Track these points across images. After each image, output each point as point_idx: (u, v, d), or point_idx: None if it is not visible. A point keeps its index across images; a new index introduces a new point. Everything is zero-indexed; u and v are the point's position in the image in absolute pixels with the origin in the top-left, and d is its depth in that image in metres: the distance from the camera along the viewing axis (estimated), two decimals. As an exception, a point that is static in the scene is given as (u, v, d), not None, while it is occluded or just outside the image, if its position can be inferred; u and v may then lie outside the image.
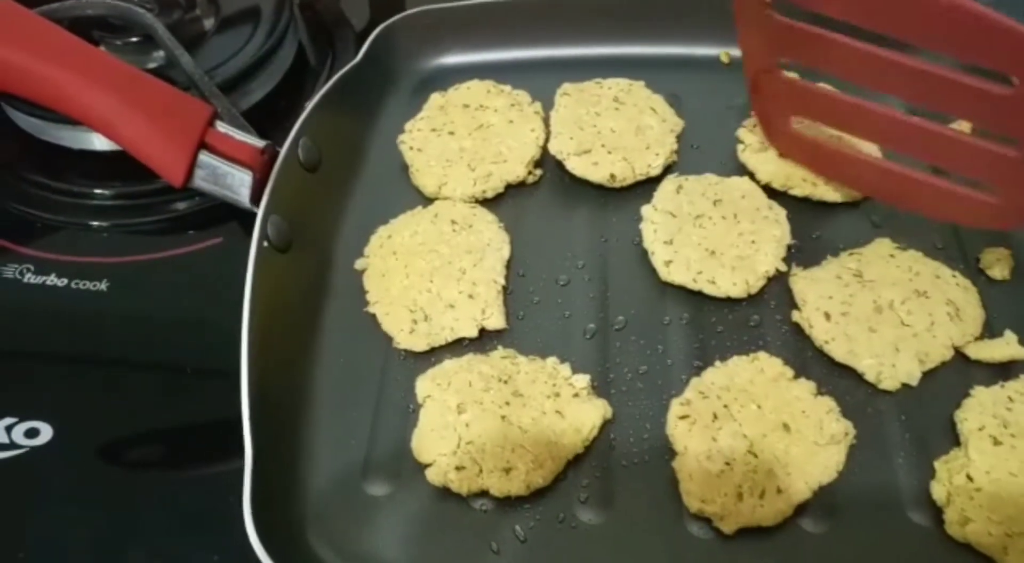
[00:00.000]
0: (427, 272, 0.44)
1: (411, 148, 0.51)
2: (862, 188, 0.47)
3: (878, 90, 0.41)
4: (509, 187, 0.49)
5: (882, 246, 0.45)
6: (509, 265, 0.46)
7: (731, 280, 0.43)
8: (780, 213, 0.46)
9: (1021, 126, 0.38)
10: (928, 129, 0.41)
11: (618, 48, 0.55)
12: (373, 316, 0.44)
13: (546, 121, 0.51)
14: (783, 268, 0.45)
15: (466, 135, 0.51)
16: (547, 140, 0.50)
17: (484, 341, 0.43)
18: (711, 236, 0.45)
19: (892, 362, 0.40)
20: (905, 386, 0.40)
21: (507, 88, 0.53)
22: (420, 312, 0.43)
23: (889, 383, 0.40)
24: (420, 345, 0.43)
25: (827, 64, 0.42)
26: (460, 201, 0.48)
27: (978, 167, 0.41)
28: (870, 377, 0.41)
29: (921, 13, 0.37)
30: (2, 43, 0.39)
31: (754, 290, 0.44)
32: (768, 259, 0.44)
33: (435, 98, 0.53)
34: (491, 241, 0.46)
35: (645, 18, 0.54)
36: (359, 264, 0.46)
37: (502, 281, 0.45)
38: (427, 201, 0.49)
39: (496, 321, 0.43)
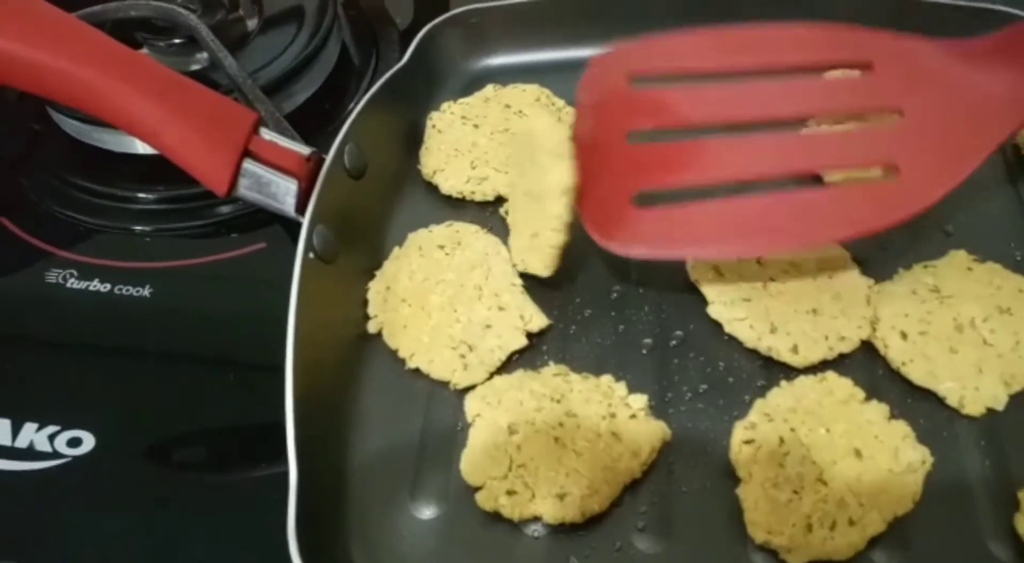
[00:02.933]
0: (447, 304, 0.42)
1: (434, 126, 0.50)
2: (747, 249, 0.41)
3: (748, 120, 0.40)
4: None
5: (958, 258, 0.43)
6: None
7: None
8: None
9: (895, 97, 0.39)
10: (815, 137, 0.40)
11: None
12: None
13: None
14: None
15: (487, 133, 0.49)
16: None
17: (534, 355, 0.42)
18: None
19: (975, 385, 0.38)
20: (988, 410, 0.38)
21: (560, 102, 0.51)
22: (463, 345, 0.41)
23: (972, 408, 0.38)
24: (479, 376, 0.41)
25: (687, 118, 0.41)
26: (433, 227, 0.46)
27: (871, 154, 0.40)
28: (952, 401, 0.38)
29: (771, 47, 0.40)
30: (45, 50, 0.38)
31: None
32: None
33: (488, 89, 0.52)
34: (486, 248, 0.44)
35: (704, 12, 0.52)
36: (372, 327, 0.43)
37: (520, 281, 0.43)
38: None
39: (538, 321, 0.42)
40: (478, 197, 0.47)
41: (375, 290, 0.44)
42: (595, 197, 0.40)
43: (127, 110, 0.39)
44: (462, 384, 0.40)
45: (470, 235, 0.45)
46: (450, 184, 0.47)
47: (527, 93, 0.51)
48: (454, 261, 0.44)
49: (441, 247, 0.44)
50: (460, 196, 0.47)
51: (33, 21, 0.39)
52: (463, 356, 0.41)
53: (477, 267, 0.43)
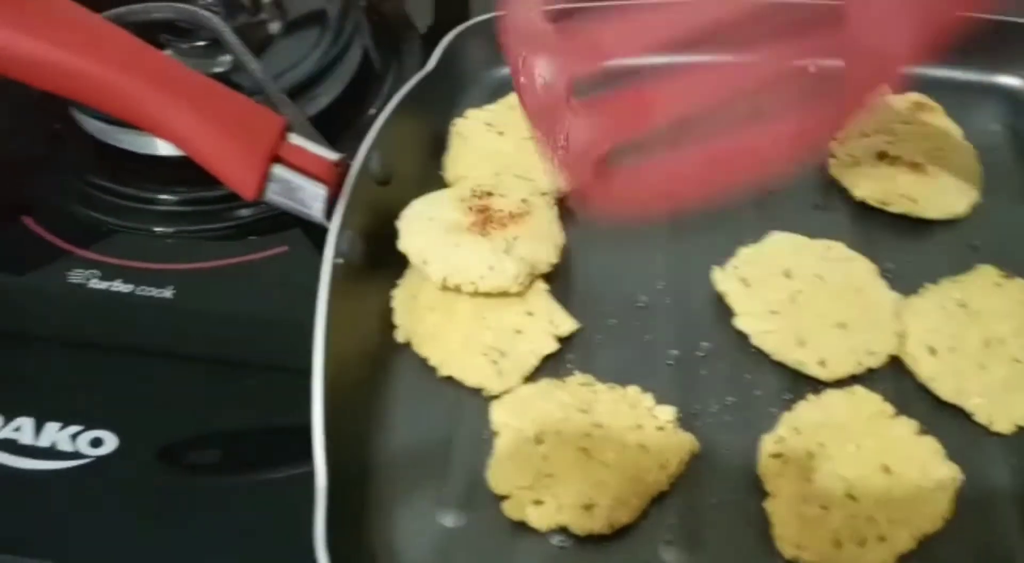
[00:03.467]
0: (476, 311, 0.42)
1: (458, 133, 0.49)
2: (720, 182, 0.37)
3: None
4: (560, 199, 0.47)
5: (986, 273, 0.43)
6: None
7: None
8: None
9: None
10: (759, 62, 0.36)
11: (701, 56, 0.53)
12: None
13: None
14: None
15: (512, 140, 0.49)
16: None
17: (559, 365, 0.41)
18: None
19: (1005, 402, 0.38)
20: (1019, 428, 0.38)
21: None
22: (494, 351, 0.41)
23: (1002, 425, 0.38)
24: (514, 381, 0.41)
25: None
26: None
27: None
28: (981, 418, 0.38)
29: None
30: (77, 53, 0.38)
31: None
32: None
33: (513, 96, 0.51)
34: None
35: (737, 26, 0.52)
36: (400, 336, 0.43)
37: (544, 285, 0.43)
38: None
39: (568, 323, 0.42)
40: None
41: (400, 299, 0.44)
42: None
43: (157, 114, 0.38)
44: (496, 390, 0.40)
45: None
46: (471, 189, 0.47)
47: None
48: None
49: None
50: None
51: (65, 24, 0.39)
52: (495, 362, 0.41)
53: None
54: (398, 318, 0.43)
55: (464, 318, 0.42)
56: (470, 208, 0.44)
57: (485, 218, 0.43)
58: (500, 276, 0.41)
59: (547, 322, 0.42)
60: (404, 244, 0.43)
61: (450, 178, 0.48)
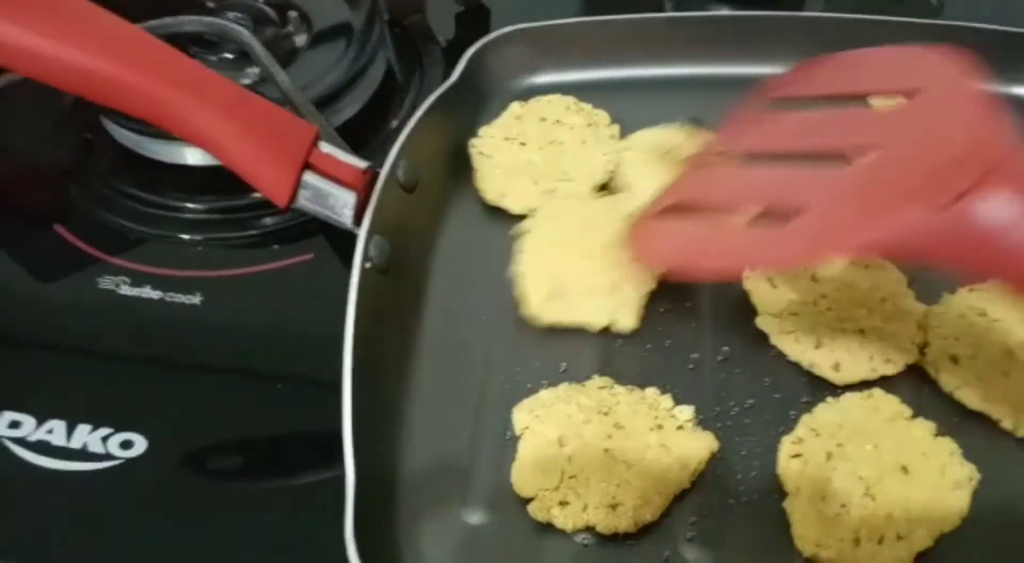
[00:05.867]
0: (581, 252, 0.44)
1: (480, 153, 0.50)
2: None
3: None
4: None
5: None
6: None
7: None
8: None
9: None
10: None
11: (718, 68, 0.54)
12: (474, 331, 0.44)
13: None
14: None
15: (536, 148, 0.50)
16: (617, 165, 0.49)
17: (579, 368, 0.42)
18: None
19: (1029, 408, 0.38)
20: (1043, 433, 0.38)
21: (587, 107, 0.52)
22: (560, 287, 0.43)
23: None
24: (547, 317, 0.43)
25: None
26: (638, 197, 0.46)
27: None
28: (1007, 425, 0.39)
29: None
30: (113, 61, 0.39)
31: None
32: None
33: (514, 107, 0.52)
34: None
35: (748, 39, 0.53)
36: (523, 226, 0.46)
37: (652, 284, 0.44)
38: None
39: (627, 321, 0.43)
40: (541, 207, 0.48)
41: (545, 208, 0.47)
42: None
43: (193, 123, 0.40)
44: (531, 310, 0.43)
45: None
46: (522, 204, 0.48)
47: (554, 103, 0.53)
48: None
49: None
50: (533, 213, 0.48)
51: (102, 32, 0.40)
52: (551, 294, 0.43)
53: None
54: (538, 213, 0.47)
55: (568, 249, 0.45)
56: None
57: None
58: None
59: (615, 305, 0.43)
60: None
61: (492, 198, 0.49)
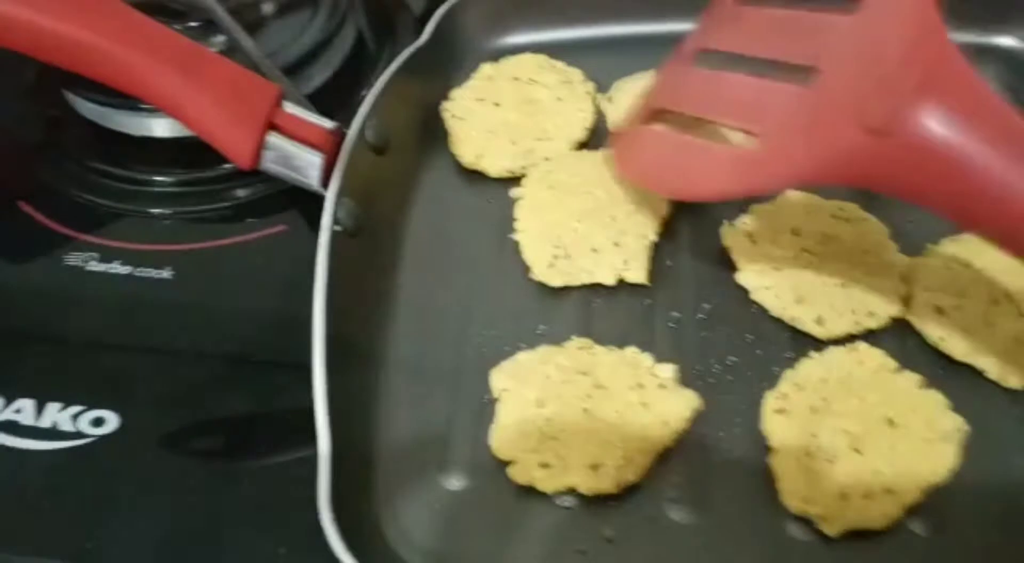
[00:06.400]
0: (578, 212, 0.44)
1: (453, 116, 0.49)
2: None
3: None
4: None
5: (987, 230, 0.42)
6: (665, 225, 0.44)
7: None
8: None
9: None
10: None
11: (689, 24, 0.53)
12: (449, 295, 0.42)
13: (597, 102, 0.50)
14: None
15: (512, 108, 0.49)
16: (595, 121, 0.49)
17: (557, 330, 0.41)
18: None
19: (1017, 358, 0.37)
20: (1024, 381, 0.38)
21: (560, 64, 0.52)
22: (562, 250, 0.43)
23: (1015, 381, 0.37)
24: (555, 281, 0.43)
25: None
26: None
27: None
28: (992, 374, 0.38)
29: None
30: (72, 22, 0.38)
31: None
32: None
33: (484, 68, 0.51)
34: (653, 196, 0.44)
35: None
36: (515, 193, 0.46)
37: (653, 237, 0.43)
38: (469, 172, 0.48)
39: (637, 274, 0.42)
40: (528, 172, 0.47)
41: (539, 167, 0.47)
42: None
43: (150, 82, 0.38)
44: (538, 278, 0.43)
45: None
46: (500, 165, 0.47)
47: (526, 62, 0.52)
48: (616, 186, 0.45)
49: None
50: (512, 175, 0.47)
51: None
52: (555, 258, 0.43)
53: (629, 203, 0.44)
54: (527, 180, 0.46)
55: (565, 210, 0.44)
56: None
57: None
58: None
59: (622, 260, 0.43)
60: None
61: (469, 160, 0.48)
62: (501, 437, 0.37)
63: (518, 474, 0.36)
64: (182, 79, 0.38)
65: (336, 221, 0.40)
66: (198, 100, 0.38)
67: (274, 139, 0.41)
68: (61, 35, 0.38)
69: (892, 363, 0.38)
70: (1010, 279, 0.40)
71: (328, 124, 0.42)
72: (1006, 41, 0.53)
